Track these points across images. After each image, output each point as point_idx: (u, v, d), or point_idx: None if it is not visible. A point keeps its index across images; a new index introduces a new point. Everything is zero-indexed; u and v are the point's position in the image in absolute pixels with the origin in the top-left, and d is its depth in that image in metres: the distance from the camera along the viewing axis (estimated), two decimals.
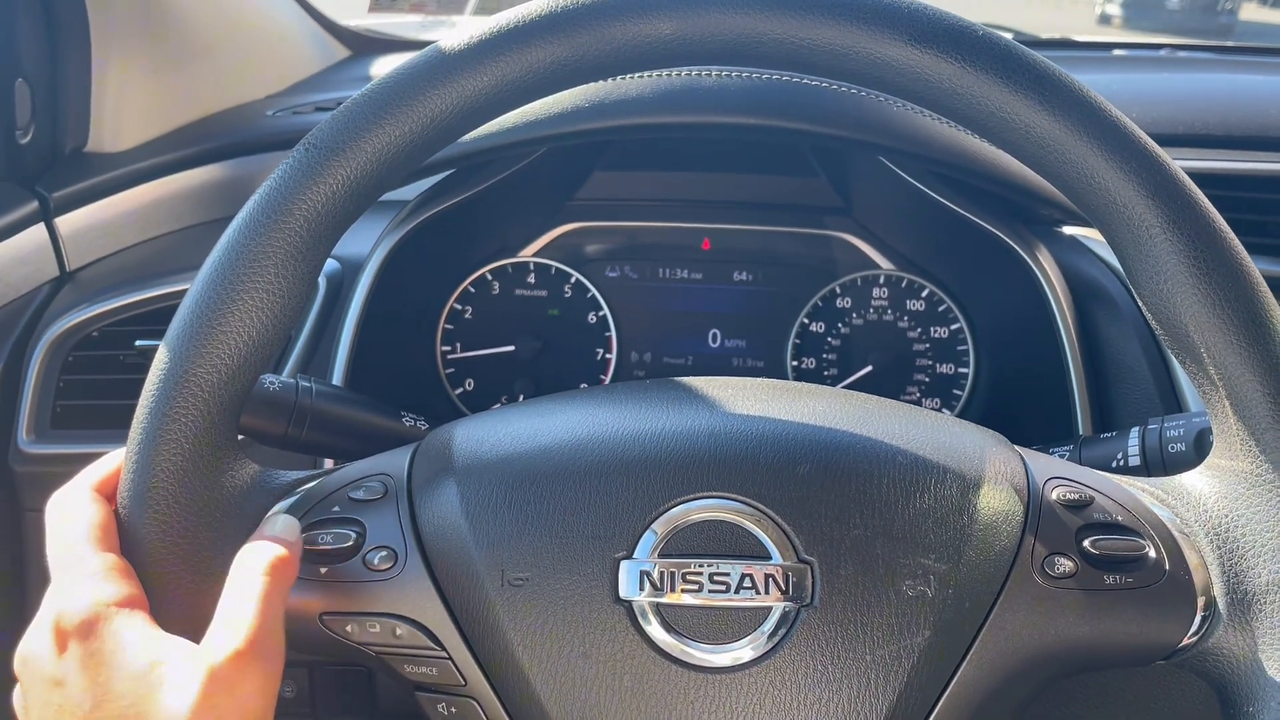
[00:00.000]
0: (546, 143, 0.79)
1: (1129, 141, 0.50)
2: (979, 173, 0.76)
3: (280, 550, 0.49)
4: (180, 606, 0.51)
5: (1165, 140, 0.52)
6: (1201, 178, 0.51)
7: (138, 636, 0.47)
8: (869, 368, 0.92)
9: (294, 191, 0.51)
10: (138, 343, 0.81)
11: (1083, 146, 0.50)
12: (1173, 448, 0.63)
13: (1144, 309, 0.52)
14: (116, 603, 0.48)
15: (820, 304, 0.94)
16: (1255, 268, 0.50)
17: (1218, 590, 0.50)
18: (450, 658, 0.50)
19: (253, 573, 0.48)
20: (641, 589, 0.49)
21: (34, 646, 0.48)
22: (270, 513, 0.53)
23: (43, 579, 0.50)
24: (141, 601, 0.49)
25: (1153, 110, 0.89)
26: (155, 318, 0.84)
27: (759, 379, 0.58)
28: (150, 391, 0.51)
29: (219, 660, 0.46)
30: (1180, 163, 0.51)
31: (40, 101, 0.90)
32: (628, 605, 0.49)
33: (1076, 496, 0.52)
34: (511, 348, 0.94)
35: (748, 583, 0.49)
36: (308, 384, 0.68)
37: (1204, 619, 0.50)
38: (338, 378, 0.82)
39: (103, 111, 0.95)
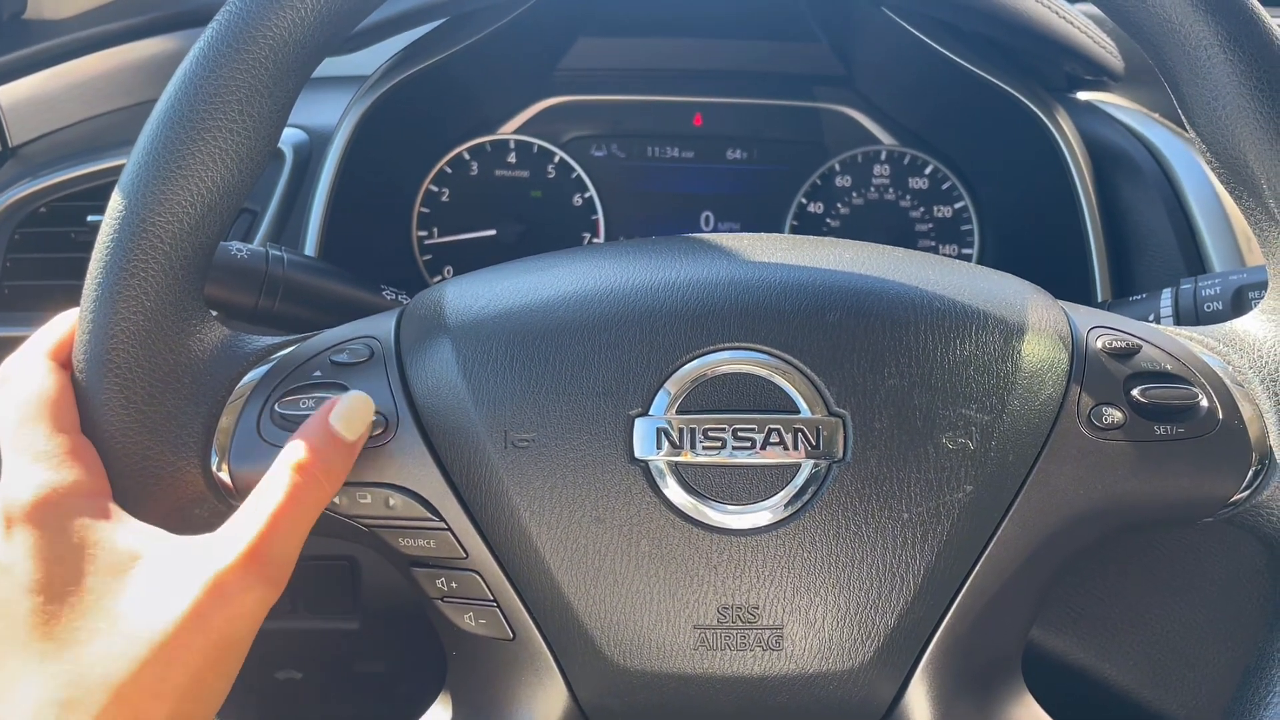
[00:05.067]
0: None
1: None
2: (999, 19, 0.71)
3: (330, 448, 0.44)
4: (147, 486, 0.46)
5: None
6: None
7: (109, 525, 0.42)
8: None
9: (257, 17, 0.46)
10: (90, 218, 0.75)
11: None
12: (1209, 306, 0.59)
13: (1198, 140, 0.48)
14: (75, 486, 0.43)
15: (819, 183, 0.89)
16: None
17: (1274, 439, 0.47)
18: (449, 528, 0.46)
19: (282, 473, 0.43)
20: (659, 448, 0.45)
21: None
22: (247, 380, 0.48)
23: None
24: (104, 488, 0.44)
25: None
26: (107, 192, 0.77)
27: (778, 234, 0.53)
28: (105, 244, 0.46)
29: (225, 566, 0.41)
30: None
31: None
32: (644, 465, 0.45)
33: (1123, 345, 0.48)
34: (492, 232, 0.89)
35: (774, 438, 0.45)
36: (279, 252, 0.63)
37: (1257, 472, 0.47)
38: None
39: None
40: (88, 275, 0.46)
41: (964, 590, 0.45)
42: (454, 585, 0.47)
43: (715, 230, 0.91)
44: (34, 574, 0.41)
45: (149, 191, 0.46)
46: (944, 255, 0.88)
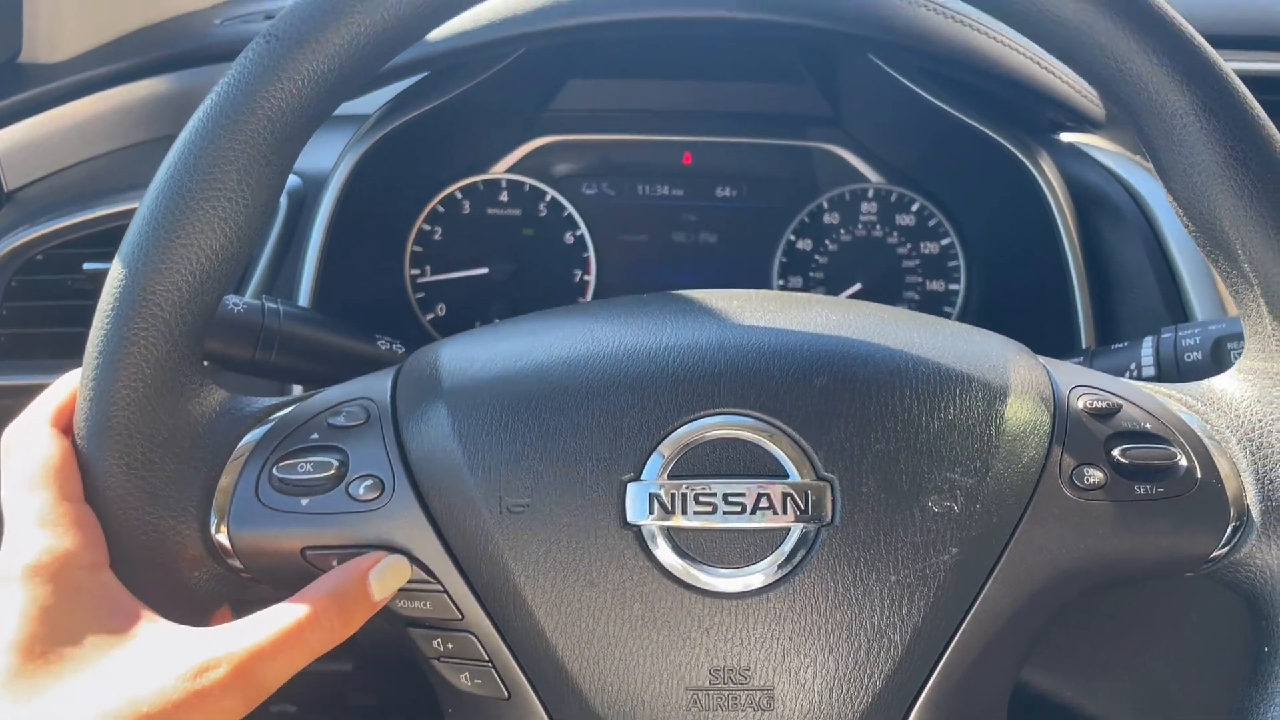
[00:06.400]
0: (525, 42, 0.74)
1: (1163, 26, 0.46)
2: (980, 69, 0.72)
3: (355, 600, 0.45)
4: (146, 551, 0.47)
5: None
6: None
7: (104, 598, 0.43)
8: (858, 285, 0.89)
9: (256, 88, 0.47)
10: (86, 265, 0.76)
11: (1112, 28, 0.46)
12: (1189, 356, 0.60)
13: (1174, 205, 0.49)
14: (74, 555, 0.43)
15: (807, 220, 0.90)
16: None
17: (1251, 499, 0.48)
18: (445, 591, 0.47)
19: (303, 605, 0.44)
20: (650, 512, 0.46)
21: None
22: (246, 441, 0.49)
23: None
24: (103, 559, 0.45)
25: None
26: (104, 239, 0.78)
27: (766, 290, 0.54)
28: (105, 311, 0.47)
29: (212, 668, 0.41)
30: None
31: None
32: (636, 530, 0.46)
33: (1104, 405, 0.49)
34: (485, 270, 0.90)
35: (764, 503, 0.46)
36: (274, 305, 0.63)
37: (1236, 529, 0.48)
38: (303, 302, 0.77)
39: (36, 19, 0.88)
40: (89, 342, 0.47)
41: (950, 649, 0.46)
42: (450, 646, 0.48)
43: (705, 262, 0.92)
44: (16, 632, 0.41)
45: (149, 260, 0.46)
46: (931, 290, 0.90)
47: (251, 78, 0.47)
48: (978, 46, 0.72)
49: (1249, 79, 0.49)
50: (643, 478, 0.46)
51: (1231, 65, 0.48)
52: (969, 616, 0.46)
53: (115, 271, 0.47)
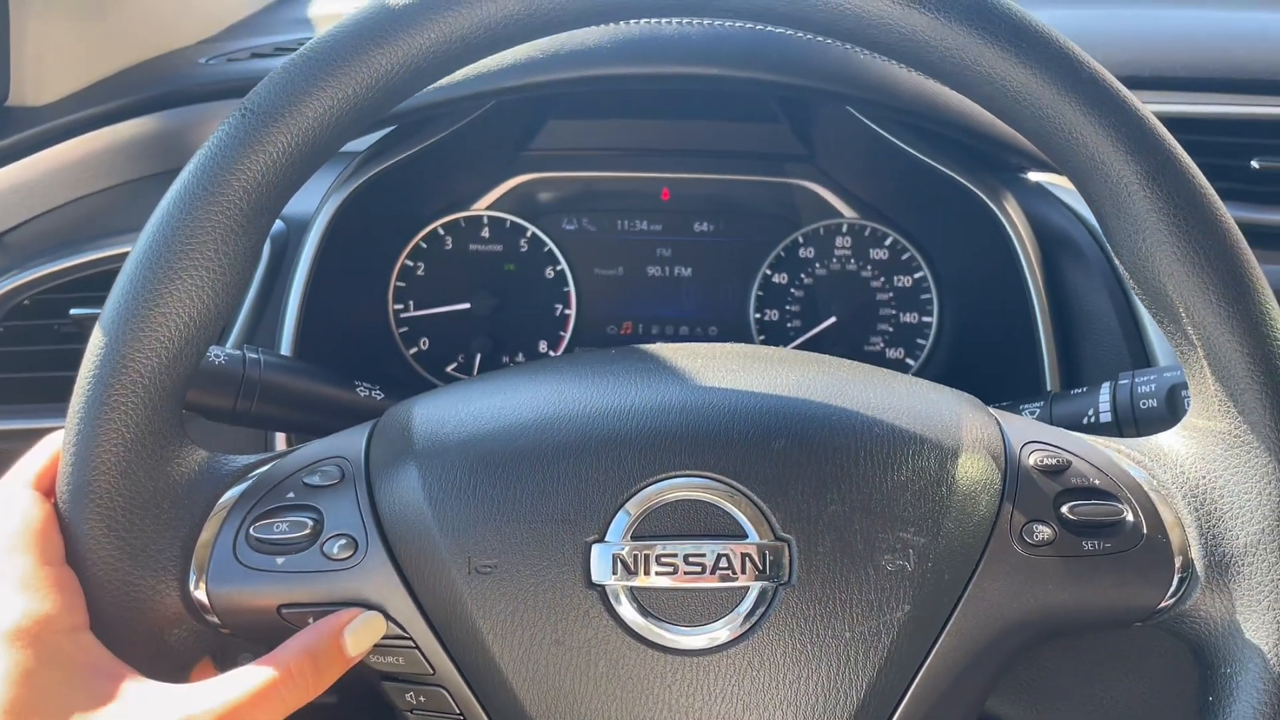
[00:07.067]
0: (496, 96, 0.75)
1: (1108, 96, 0.48)
2: (947, 121, 0.74)
3: (329, 657, 0.47)
4: (127, 612, 0.49)
5: (1129, 84, 0.50)
6: (1165, 122, 0.50)
7: (85, 660, 0.44)
8: (833, 319, 0.91)
9: (231, 161, 0.48)
10: (72, 311, 0.77)
11: (1060, 101, 0.48)
12: (1144, 404, 0.62)
13: (1121, 267, 0.51)
14: (55, 618, 0.45)
15: (783, 254, 0.92)
16: (1235, 225, 0.49)
17: (1195, 553, 0.50)
18: (417, 646, 0.49)
19: (278, 662, 0.46)
20: (614, 573, 0.47)
21: None
22: (226, 499, 0.51)
23: None
24: (83, 621, 0.47)
25: (1116, 52, 0.87)
26: (90, 284, 0.80)
27: (729, 345, 0.56)
28: (86, 379, 0.48)
29: None
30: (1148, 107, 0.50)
31: None
32: (600, 590, 0.48)
33: (1054, 461, 0.51)
34: (467, 305, 0.91)
35: (724, 563, 0.47)
36: (255, 355, 0.65)
37: (1181, 581, 0.50)
38: (286, 343, 0.78)
39: (22, 63, 0.89)
40: (70, 407, 0.49)
41: (905, 700, 0.48)
42: (422, 699, 0.50)
43: (683, 296, 0.94)
44: (2, 695, 0.43)
45: (128, 328, 0.48)
46: (905, 322, 0.92)
47: (227, 150, 0.48)
48: (944, 100, 0.74)
49: (1173, 120, 0.50)
50: (606, 539, 0.48)
51: (1158, 107, 0.49)
52: (923, 669, 0.48)
53: (96, 339, 0.48)
